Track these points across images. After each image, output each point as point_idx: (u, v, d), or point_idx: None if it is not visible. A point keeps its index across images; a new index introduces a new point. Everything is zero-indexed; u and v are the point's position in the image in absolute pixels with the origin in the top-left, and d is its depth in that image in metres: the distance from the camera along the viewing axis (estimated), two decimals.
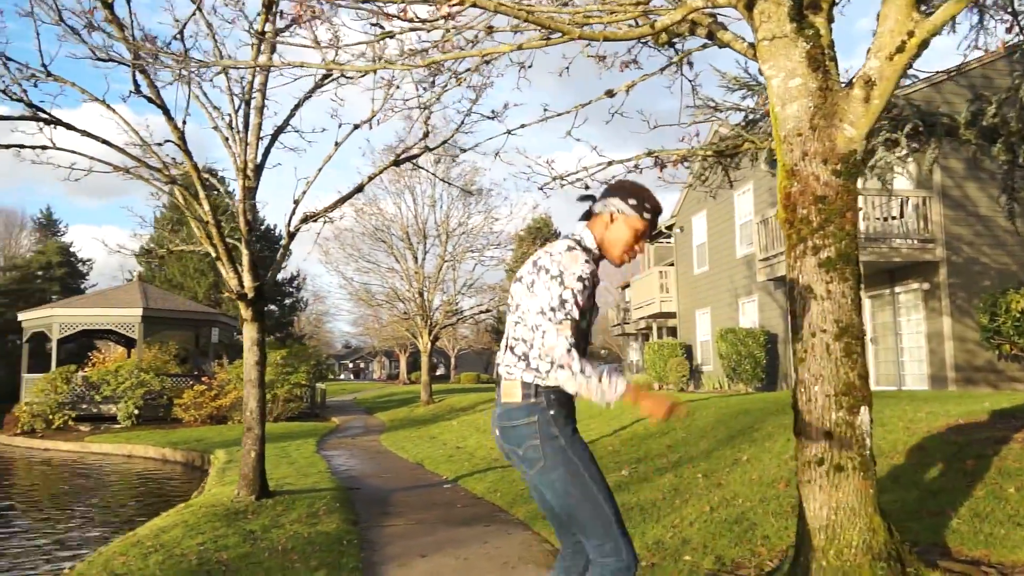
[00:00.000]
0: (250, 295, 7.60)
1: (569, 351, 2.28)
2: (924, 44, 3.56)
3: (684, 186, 6.63)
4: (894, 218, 14.38)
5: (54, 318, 24.57)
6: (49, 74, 7.10)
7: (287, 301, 57.23)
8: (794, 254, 3.76)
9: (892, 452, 6.42)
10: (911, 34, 3.53)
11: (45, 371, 23.70)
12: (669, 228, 24.37)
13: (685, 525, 5.38)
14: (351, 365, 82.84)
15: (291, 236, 7.96)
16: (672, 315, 24.48)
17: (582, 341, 2.43)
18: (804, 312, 3.69)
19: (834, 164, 3.69)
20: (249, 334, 7.64)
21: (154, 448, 17.62)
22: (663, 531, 5.26)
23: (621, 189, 2.59)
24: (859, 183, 14.36)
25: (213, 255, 7.59)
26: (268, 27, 7.33)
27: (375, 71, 6.65)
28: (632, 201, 2.54)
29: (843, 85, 3.83)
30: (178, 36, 6.28)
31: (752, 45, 4.05)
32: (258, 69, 6.85)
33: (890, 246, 14.11)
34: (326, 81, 8.36)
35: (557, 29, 3.82)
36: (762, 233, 15.71)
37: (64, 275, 58.05)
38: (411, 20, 3.84)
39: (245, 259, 7.66)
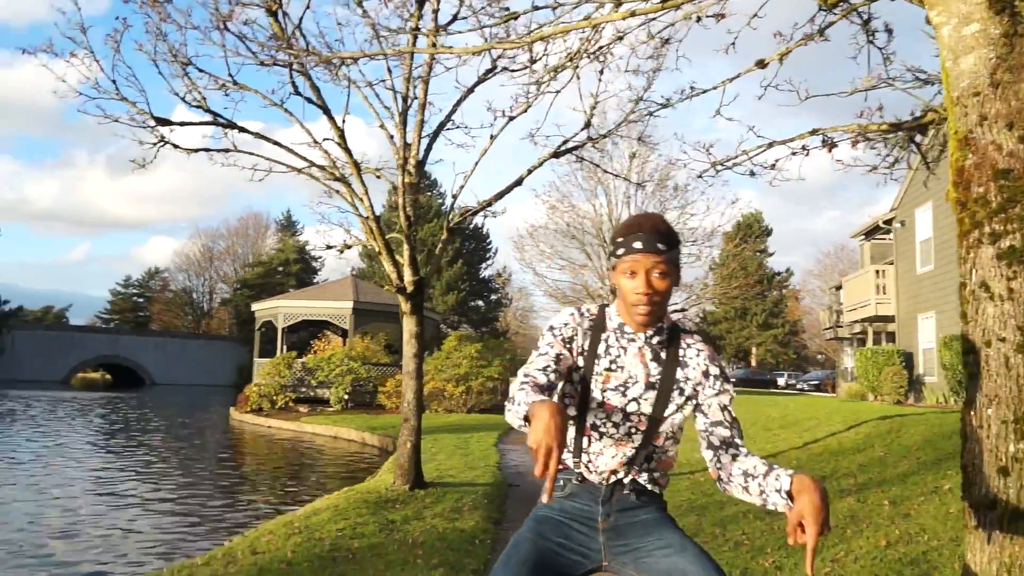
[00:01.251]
0: (409, 288, 7.70)
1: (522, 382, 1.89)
2: None
3: (866, 169, 5.72)
4: None
5: (279, 309, 27.09)
6: (235, 83, 7.64)
7: (492, 297, 59.23)
8: (967, 242, 3.01)
9: None
10: None
11: (274, 357, 26.19)
12: (888, 222, 22.04)
13: (849, 561, 4.63)
14: None
15: (450, 231, 7.97)
16: (890, 319, 22.12)
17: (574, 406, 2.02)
18: (976, 315, 2.95)
19: (1022, 129, 2.91)
20: (408, 327, 7.75)
21: (356, 431, 18.79)
22: (820, 565, 4.56)
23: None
24: None
25: (376, 249, 7.77)
26: (424, 24, 7.37)
27: (530, 46, 6.47)
28: (612, 247, 2.05)
29: None
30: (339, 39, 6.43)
31: None
32: (413, 59, 6.88)
33: None
34: (488, 75, 8.30)
35: None
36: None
37: (299, 271, 64.32)
38: None
39: (405, 253, 7.77)
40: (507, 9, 4.30)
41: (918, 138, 5.34)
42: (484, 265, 58.22)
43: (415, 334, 7.72)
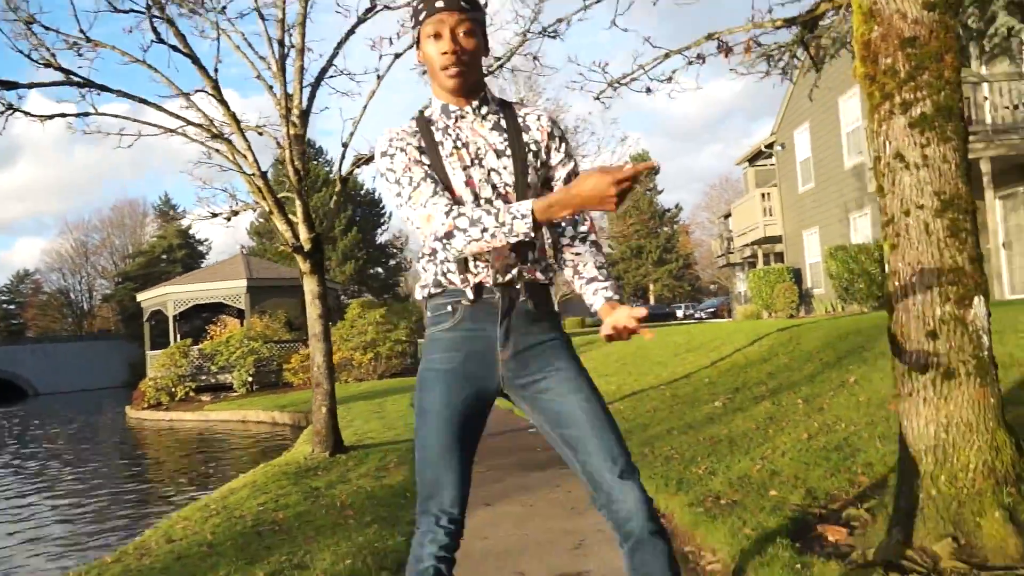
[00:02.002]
0: (306, 247, 7.31)
1: (427, 215, 1.79)
2: None
3: (760, 76, 5.75)
4: None
5: (168, 296, 25.72)
6: (88, 39, 6.94)
7: (391, 262, 58.35)
8: (878, 116, 2.99)
9: None
10: None
11: (168, 347, 24.91)
12: (769, 146, 22.83)
13: (777, 456, 4.72)
14: None
15: (343, 181, 7.60)
16: (778, 239, 23.07)
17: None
18: (893, 186, 2.94)
19: None
20: (309, 287, 7.39)
21: (264, 412, 18.16)
22: (750, 464, 4.63)
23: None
24: (981, 65, 12.67)
25: (265, 209, 7.33)
26: None
27: None
28: (411, 22, 1.90)
29: None
30: None
31: None
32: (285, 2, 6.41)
33: (1021, 137, 12.48)
34: (369, 14, 7.88)
35: None
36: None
37: (184, 256, 61.33)
38: None
39: (299, 210, 7.37)
40: None
41: (807, 38, 5.38)
42: (379, 231, 57.18)
43: (318, 294, 7.37)
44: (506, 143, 1.91)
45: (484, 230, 1.72)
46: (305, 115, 7.48)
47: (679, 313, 45.41)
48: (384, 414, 12.05)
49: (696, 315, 40.86)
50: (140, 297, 27.20)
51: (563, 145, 1.99)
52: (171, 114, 6.83)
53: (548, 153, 1.96)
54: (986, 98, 12.38)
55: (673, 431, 6.56)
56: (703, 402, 7.95)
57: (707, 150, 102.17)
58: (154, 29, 6.27)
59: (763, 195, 23.21)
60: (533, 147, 1.94)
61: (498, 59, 8.03)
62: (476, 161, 1.88)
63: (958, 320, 2.81)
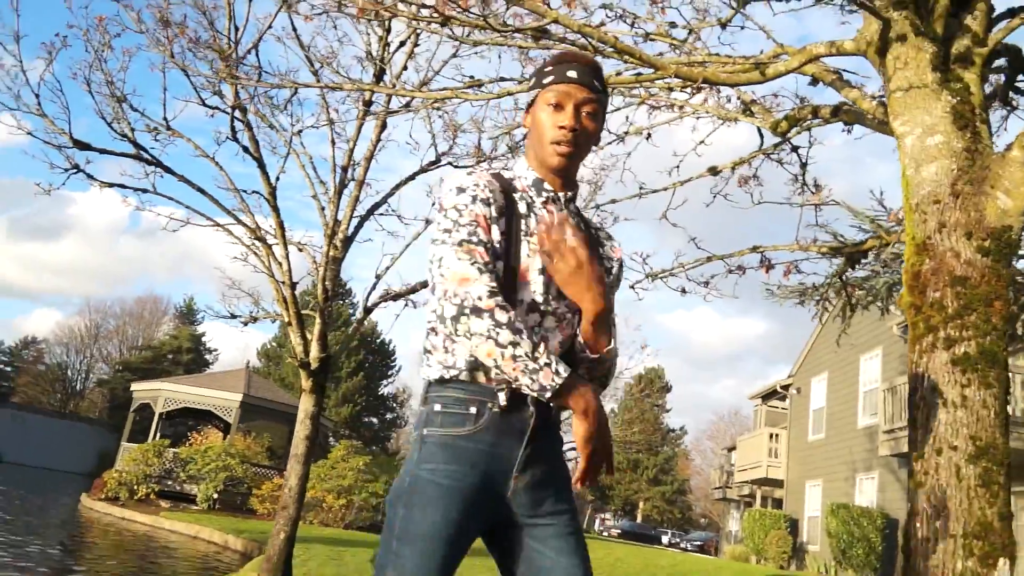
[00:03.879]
0: (314, 365, 7.22)
1: (492, 293, 1.48)
2: None
3: (794, 302, 5.79)
4: None
5: (161, 392, 25.35)
6: (169, 127, 7.32)
7: (388, 416, 57.50)
8: (919, 347, 2.93)
9: None
10: None
11: (145, 443, 24.21)
12: (785, 388, 22.76)
13: None
14: None
15: (368, 310, 7.63)
16: (779, 483, 22.40)
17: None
18: (928, 421, 2.82)
19: (980, 239, 2.92)
20: (305, 406, 7.20)
21: (219, 533, 17.21)
22: None
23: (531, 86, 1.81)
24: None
25: (284, 319, 7.32)
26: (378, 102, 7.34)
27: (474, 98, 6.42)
28: (532, 80, 1.76)
29: (999, 150, 3.10)
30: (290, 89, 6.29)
31: (882, 102, 3.42)
32: (359, 134, 6.75)
33: None
34: (432, 167, 8.26)
35: (651, 64, 3.33)
36: (889, 402, 14.21)
37: (190, 360, 61.16)
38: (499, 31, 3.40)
39: (317, 328, 7.34)
40: (471, 76, 4.23)
41: (847, 277, 5.47)
42: (385, 382, 56.86)
43: (312, 415, 7.17)
44: (587, 247, 1.66)
45: (515, 344, 1.44)
46: (348, 241, 7.65)
47: (664, 539, 43.48)
48: (342, 563, 11.32)
49: (682, 544, 39.08)
50: (134, 387, 26.87)
51: (622, 278, 1.85)
52: (224, 208, 7.04)
53: (612, 278, 1.79)
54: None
55: None
56: None
57: (721, 383, 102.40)
58: (232, 129, 6.60)
59: (771, 435, 22.85)
60: (606, 263, 1.77)
61: None
62: (549, 268, 1.61)
63: None
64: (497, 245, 1.59)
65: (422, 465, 1.55)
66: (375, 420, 55.95)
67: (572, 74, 1.65)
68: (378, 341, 54.55)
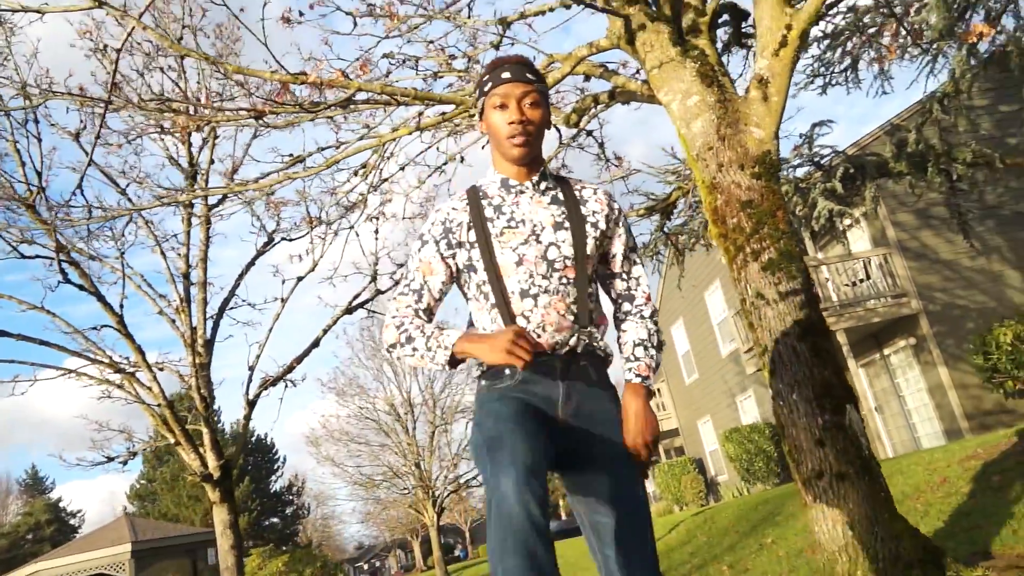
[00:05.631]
0: (215, 475, 7.15)
1: (393, 316, 1.92)
2: (804, 35, 3.57)
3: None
4: (862, 280, 14.35)
5: (38, 574, 23.19)
6: None
7: (288, 511, 55.11)
8: (736, 265, 3.56)
9: (916, 494, 5.95)
10: (789, 27, 3.55)
11: None
12: None
13: None
14: (366, 567, 78.89)
15: (251, 404, 7.63)
16: (675, 432, 23.78)
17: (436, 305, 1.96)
18: (760, 320, 3.45)
19: (751, 168, 3.59)
20: (220, 517, 7.13)
21: None
22: None
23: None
24: (816, 250, 14.35)
25: (171, 440, 7.21)
26: (198, 203, 7.39)
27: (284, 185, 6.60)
28: (476, 93, 1.99)
29: (742, 95, 3.80)
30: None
31: (645, 82, 4.06)
32: (190, 238, 6.80)
33: (865, 308, 13.98)
34: (267, 247, 8.36)
35: (450, 101, 3.79)
36: (740, 325, 15.57)
37: (53, 532, 55.68)
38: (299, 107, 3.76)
39: (206, 438, 7.28)
40: (291, 154, 4.52)
41: (668, 228, 6.21)
42: (273, 478, 54.42)
43: (229, 523, 7.10)
44: (564, 215, 1.92)
45: (415, 350, 1.85)
46: (210, 344, 7.63)
47: None
48: None
49: None
50: None
51: (621, 217, 2.01)
52: (74, 353, 6.84)
53: (607, 223, 1.97)
54: (827, 279, 13.96)
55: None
56: None
57: None
58: (62, 271, 6.45)
59: (655, 391, 24.22)
60: (591, 218, 1.95)
61: (396, 281, 8.56)
62: (533, 238, 1.89)
63: (838, 427, 3.22)
64: (443, 275, 1.94)
65: (482, 407, 1.87)
66: (276, 520, 53.47)
67: (506, 75, 1.88)
68: (254, 439, 52.20)
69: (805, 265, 3.51)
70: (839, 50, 8.70)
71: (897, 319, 14.01)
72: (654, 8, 3.90)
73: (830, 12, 5.57)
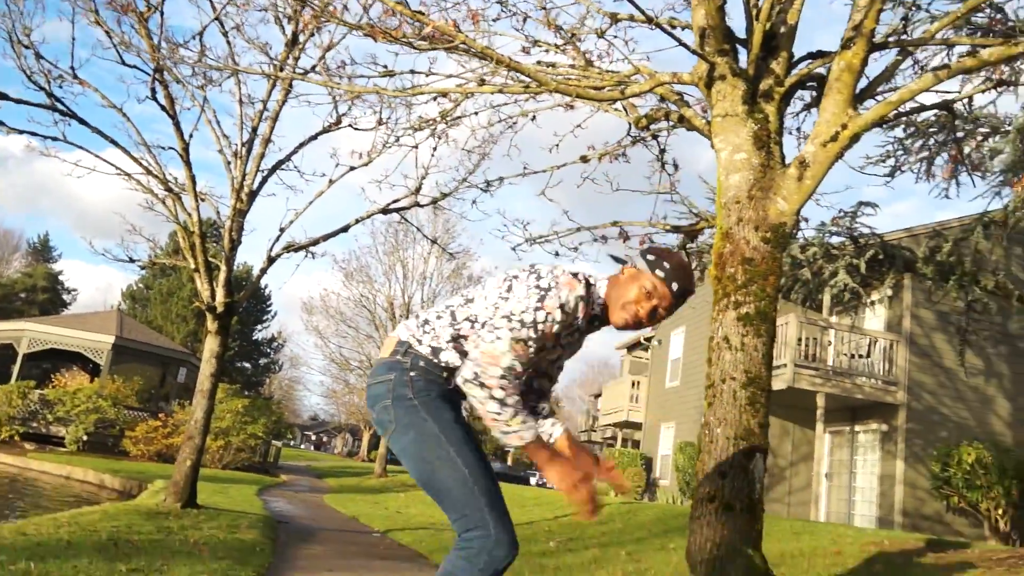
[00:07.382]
0: (219, 308, 7.80)
1: (503, 377, 2.01)
2: (855, 137, 3.97)
3: None
4: (861, 356, 14.74)
5: (25, 332, 24.47)
6: (75, 76, 7.56)
7: (261, 361, 56.88)
8: (718, 308, 4.05)
9: (809, 554, 6.51)
10: (844, 127, 3.95)
11: (6, 384, 23.40)
12: (648, 339, 24.71)
13: None
14: (314, 437, 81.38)
15: (271, 260, 8.24)
16: (638, 426, 24.50)
17: (525, 373, 2.11)
18: (718, 360, 3.95)
19: (764, 232, 4.04)
20: (210, 346, 7.80)
21: (94, 472, 17.26)
22: None
23: (648, 250, 2.26)
24: (831, 313, 14.66)
25: (192, 266, 7.84)
26: (288, 66, 7.85)
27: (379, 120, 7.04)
28: (650, 257, 2.19)
29: (783, 166, 4.22)
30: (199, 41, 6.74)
31: (708, 122, 4.48)
32: (275, 83, 7.29)
33: (854, 382, 14.41)
34: (333, 128, 8.85)
35: (536, 79, 4.24)
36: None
37: (45, 300, 57.81)
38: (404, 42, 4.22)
39: (222, 275, 7.91)
40: (385, 66, 4.98)
41: (689, 247, 6.65)
42: (259, 327, 56.03)
43: (217, 354, 7.78)
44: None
45: (497, 414, 2.00)
46: (252, 195, 8.20)
47: (532, 480, 45.86)
48: (229, 495, 11.95)
49: (548, 485, 41.40)
50: None
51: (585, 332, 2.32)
52: (135, 159, 7.42)
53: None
54: (830, 342, 14.37)
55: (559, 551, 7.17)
56: (538, 542, 8.59)
57: (594, 336, 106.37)
58: (152, 90, 6.99)
59: (634, 383, 24.84)
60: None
61: (435, 199, 9.05)
62: (562, 352, 2.25)
63: (743, 468, 3.75)
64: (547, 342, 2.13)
65: (429, 399, 2.12)
66: (248, 365, 55.27)
67: (675, 287, 2.13)
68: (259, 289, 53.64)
69: (774, 329, 3.99)
70: (920, 141, 8.95)
71: (879, 403, 14.45)
72: (738, 64, 4.29)
73: (887, 123, 5.89)
